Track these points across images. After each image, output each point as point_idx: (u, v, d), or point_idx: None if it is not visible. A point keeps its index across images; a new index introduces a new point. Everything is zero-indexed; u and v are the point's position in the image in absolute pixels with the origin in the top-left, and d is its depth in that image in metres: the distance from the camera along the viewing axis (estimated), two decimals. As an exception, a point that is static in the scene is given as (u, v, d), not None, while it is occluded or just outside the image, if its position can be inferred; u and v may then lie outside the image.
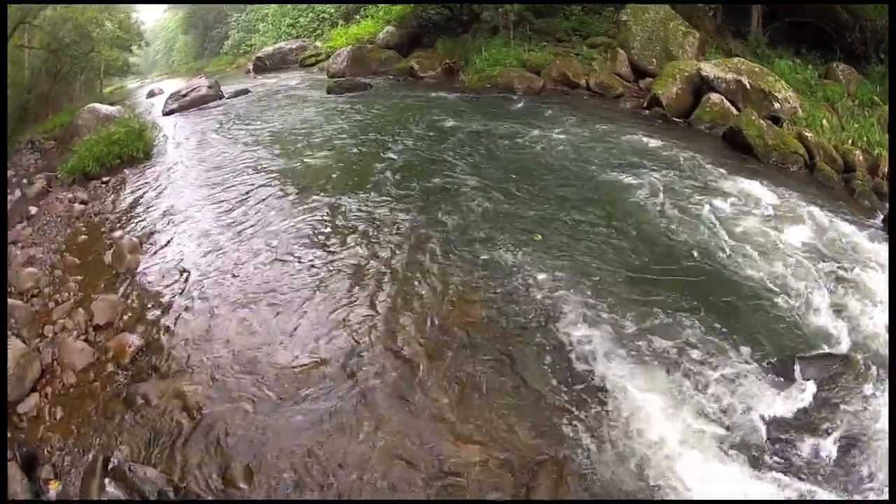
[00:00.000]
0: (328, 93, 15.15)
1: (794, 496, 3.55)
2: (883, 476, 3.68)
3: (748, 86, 10.22)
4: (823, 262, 5.80)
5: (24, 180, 10.62)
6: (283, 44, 26.10)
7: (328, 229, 6.60)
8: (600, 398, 4.18)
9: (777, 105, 9.93)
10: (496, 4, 16.10)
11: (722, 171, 7.79)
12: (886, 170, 8.47)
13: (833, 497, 3.56)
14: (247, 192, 8.01)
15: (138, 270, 6.33)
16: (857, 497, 3.61)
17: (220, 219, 7.30)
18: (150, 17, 43.57)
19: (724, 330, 4.76)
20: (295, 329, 4.99)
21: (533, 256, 5.79)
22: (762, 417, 4.03)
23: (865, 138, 9.19)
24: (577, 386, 4.29)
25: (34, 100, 20.05)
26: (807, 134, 9.08)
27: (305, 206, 7.26)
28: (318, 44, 24.32)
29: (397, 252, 6.00)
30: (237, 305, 5.39)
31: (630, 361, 4.45)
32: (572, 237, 6.19)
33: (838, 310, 5.14)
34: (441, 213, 6.77)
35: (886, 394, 4.17)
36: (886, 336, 4.79)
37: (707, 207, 6.68)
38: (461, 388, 4.29)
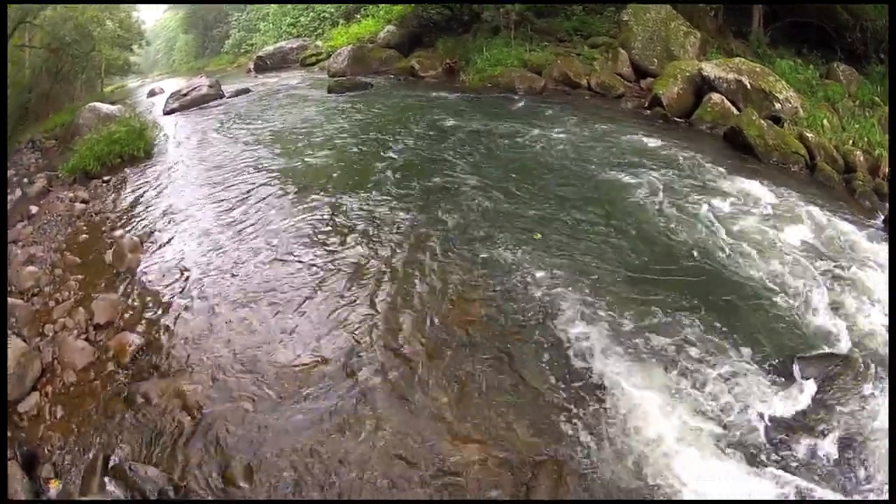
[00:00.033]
0: (329, 92, 15.16)
1: (793, 496, 3.54)
2: (882, 476, 3.68)
3: (749, 86, 10.21)
4: (823, 261, 5.80)
5: (25, 179, 10.64)
6: (284, 43, 26.13)
7: (328, 228, 6.61)
8: (599, 396, 4.19)
9: (778, 105, 9.92)
10: (497, 4, 16.09)
11: (722, 171, 7.79)
12: (887, 170, 8.46)
13: (832, 497, 3.56)
14: (247, 192, 8.02)
15: (139, 269, 6.33)
16: (856, 497, 3.61)
17: (220, 218, 7.31)
18: (150, 17, 43.70)
19: (723, 329, 4.76)
20: (295, 328, 4.99)
21: (532, 255, 5.79)
22: (762, 416, 4.03)
23: (866, 139, 9.18)
24: (577, 384, 4.29)
25: (35, 99, 20.07)
26: (807, 134, 9.07)
27: (306, 206, 7.26)
28: (319, 43, 24.34)
29: (397, 251, 6.00)
30: (237, 304, 5.40)
31: (629, 359, 4.45)
32: (572, 236, 6.19)
33: (838, 310, 5.14)
34: (441, 212, 6.78)
35: (886, 393, 4.17)
36: (886, 336, 4.79)
37: (707, 207, 6.68)
38: (461, 387, 4.29)
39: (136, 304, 5.71)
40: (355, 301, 5.26)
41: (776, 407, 4.11)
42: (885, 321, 4.97)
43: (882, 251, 6.07)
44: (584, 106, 11.79)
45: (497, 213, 6.74)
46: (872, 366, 4.40)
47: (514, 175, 7.85)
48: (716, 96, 10.42)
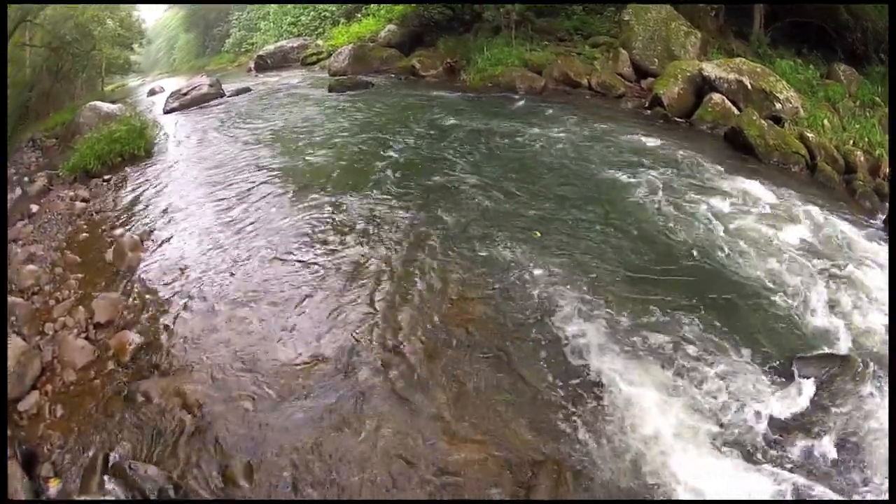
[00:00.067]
0: (329, 91, 15.15)
1: (792, 495, 3.55)
2: (882, 476, 3.68)
3: (750, 86, 10.21)
4: (823, 261, 5.80)
5: (26, 178, 10.61)
6: (285, 42, 26.09)
7: (329, 227, 6.61)
8: (599, 395, 4.20)
9: (778, 105, 9.92)
10: (498, 4, 16.08)
11: (723, 170, 7.80)
12: (887, 171, 8.46)
13: (832, 497, 3.56)
14: (248, 191, 8.02)
15: (139, 268, 6.33)
16: (855, 497, 3.61)
17: (221, 217, 7.31)
18: (151, 16, 43.54)
19: (722, 328, 4.77)
20: (295, 327, 4.99)
21: (532, 254, 5.80)
22: (761, 416, 4.04)
23: (866, 139, 9.18)
24: (576, 383, 4.30)
25: (35, 98, 20.03)
26: (808, 134, 9.07)
27: (306, 205, 7.26)
28: (320, 42, 24.31)
29: (397, 250, 6.01)
30: (238, 303, 5.40)
31: (628, 358, 4.46)
32: (571, 235, 6.20)
33: (837, 309, 5.15)
34: (441, 211, 6.79)
35: (885, 394, 4.18)
36: (885, 336, 4.80)
37: (707, 207, 6.69)
38: (460, 386, 4.29)
39: (136, 302, 5.71)
40: (355, 300, 5.26)
41: (775, 406, 4.11)
42: (885, 321, 4.98)
43: (882, 251, 6.09)
44: (584, 105, 11.79)
45: (497, 213, 6.74)
46: (872, 366, 4.41)
47: (514, 174, 7.86)
48: (716, 96, 10.42)
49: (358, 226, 6.57)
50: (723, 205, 6.78)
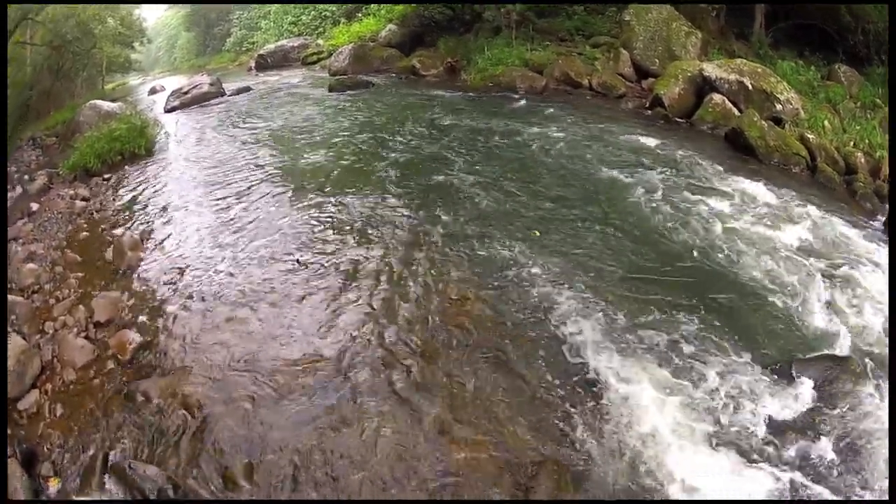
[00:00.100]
0: (330, 91, 15.16)
1: (792, 496, 3.55)
2: (882, 476, 3.68)
3: (750, 87, 10.21)
4: (823, 262, 5.80)
5: (26, 177, 10.63)
6: (285, 41, 26.13)
7: (328, 227, 6.61)
8: (598, 394, 4.20)
9: (779, 106, 9.92)
10: (498, 4, 16.09)
11: (723, 171, 7.80)
12: (887, 172, 8.45)
13: (832, 497, 3.56)
14: (248, 190, 8.02)
15: (139, 268, 6.33)
16: (855, 497, 3.60)
17: (220, 216, 7.31)
18: (152, 15, 43.62)
19: (723, 328, 4.77)
20: (294, 327, 4.99)
21: (532, 253, 5.80)
22: (761, 416, 4.04)
23: (867, 140, 9.17)
24: (576, 383, 4.30)
25: (36, 96, 20.05)
26: (809, 135, 9.06)
27: (306, 204, 7.26)
28: (320, 42, 24.36)
29: (397, 249, 6.01)
30: (237, 303, 5.39)
31: (627, 358, 4.46)
32: (571, 235, 6.21)
33: (837, 311, 5.15)
34: (441, 210, 6.79)
35: (885, 394, 4.18)
36: (886, 337, 4.80)
37: (708, 207, 6.69)
38: (460, 386, 4.29)
39: (136, 302, 5.71)
40: (355, 300, 5.26)
41: (775, 406, 4.12)
42: (885, 322, 4.98)
43: (882, 252, 6.08)
44: (585, 106, 11.79)
45: (496, 212, 6.75)
46: (872, 367, 4.43)
47: (514, 174, 7.86)
48: (717, 97, 10.41)
49: (358, 225, 6.57)
50: (723, 205, 6.79)
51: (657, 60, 12.93)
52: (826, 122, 9.60)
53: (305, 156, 9.39)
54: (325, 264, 5.84)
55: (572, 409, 4.10)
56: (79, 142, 10.91)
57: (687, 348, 4.56)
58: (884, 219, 7.20)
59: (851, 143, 9.13)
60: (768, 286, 5.40)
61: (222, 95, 16.22)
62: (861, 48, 12.14)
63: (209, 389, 4.42)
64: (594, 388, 4.25)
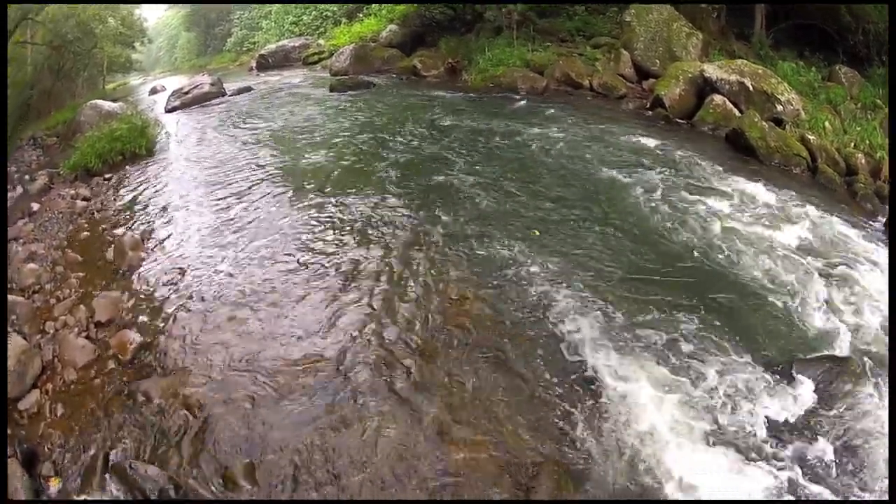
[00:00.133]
0: (331, 91, 15.17)
1: (792, 495, 3.55)
2: (882, 476, 3.68)
3: (751, 87, 10.20)
4: (823, 263, 5.80)
5: (27, 176, 10.64)
6: (286, 41, 26.15)
7: (329, 227, 6.61)
8: (598, 393, 4.21)
9: (780, 107, 9.92)
10: (500, 4, 16.10)
11: (723, 172, 7.79)
12: (887, 173, 8.45)
13: (832, 497, 3.56)
14: (248, 190, 8.03)
15: (140, 267, 6.33)
16: (855, 497, 3.60)
17: (221, 216, 7.31)
18: (152, 14, 43.65)
19: (724, 328, 4.77)
20: (295, 327, 4.99)
21: (531, 253, 5.81)
22: (761, 416, 4.03)
23: (868, 141, 9.17)
24: (576, 382, 4.30)
25: (36, 96, 20.05)
26: (809, 136, 9.06)
27: (306, 204, 7.27)
28: (321, 42, 24.37)
29: (397, 249, 6.01)
30: (238, 303, 5.40)
31: (627, 357, 4.47)
32: (570, 235, 6.21)
33: (837, 311, 5.15)
34: (441, 210, 6.79)
35: (885, 395, 4.18)
36: (885, 337, 4.80)
37: (708, 208, 6.70)
38: (460, 386, 4.29)
39: (137, 302, 5.71)
40: (355, 300, 5.26)
41: (776, 407, 4.12)
42: (885, 323, 4.98)
43: (882, 253, 6.08)
44: (585, 106, 11.80)
45: (496, 212, 6.76)
46: (872, 367, 4.42)
47: (514, 174, 7.87)
48: (718, 98, 10.41)
49: (358, 226, 6.58)
50: (723, 206, 6.79)
51: (658, 61, 12.93)
52: (827, 123, 9.60)
53: (306, 156, 9.39)
54: (326, 264, 5.84)
55: (572, 408, 4.10)
56: (80, 142, 10.93)
57: (687, 347, 4.56)
58: (884, 219, 7.21)
59: (852, 144, 9.13)
60: (768, 286, 5.40)
61: (223, 95, 16.23)
62: (861, 49, 12.14)
63: (210, 389, 4.42)
64: (593, 387, 4.26)
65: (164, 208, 7.91)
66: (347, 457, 3.80)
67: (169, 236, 6.99)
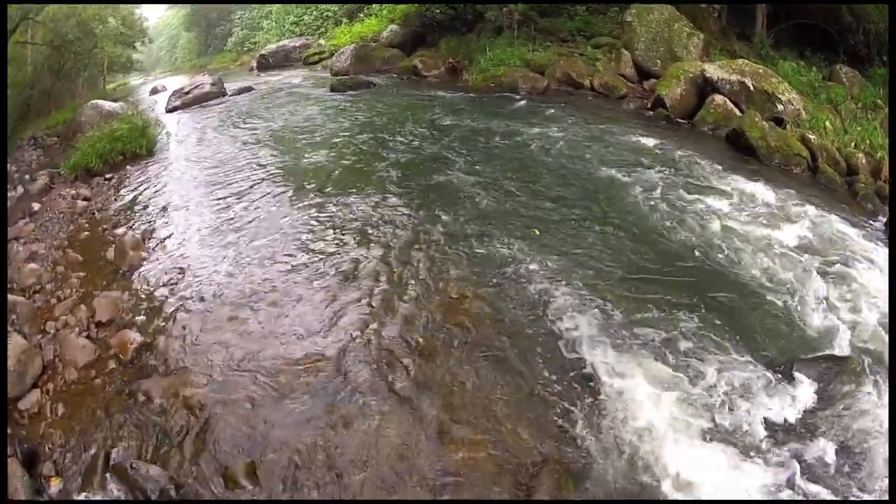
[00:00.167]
0: (331, 91, 15.18)
1: (792, 495, 3.54)
2: (882, 476, 3.67)
3: (752, 87, 10.20)
4: (824, 263, 5.79)
5: (27, 176, 10.65)
6: (287, 41, 26.15)
7: (329, 227, 6.61)
8: (598, 392, 4.21)
9: (780, 107, 9.91)
10: (500, 4, 16.09)
11: (724, 171, 7.79)
12: (888, 173, 8.44)
13: (832, 497, 3.55)
14: (249, 190, 8.03)
15: (141, 267, 6.33)
16: (855, 498, 3.60)
17: (222, 216, 7.31)
18: (153, 14, 43.64)
19: (724, 328, 4.76)
20: (295, 326, 4.99)
21: (531, 252, 5.81)
22: (762, 416, 4.03)
23: (868, 141, 9.16)
24: (575, 381, 4.30)
25: (37, 96, 20.07)
26: (810, 136, 9.05)
27: (307, 204, 7.27)
28: (322, 42, 24.37)
29: (397, 249, 6.01)
30: (238, 303, 5.40)
31: (625, 355, 4.47)
32: (570, 234, 6.21)
33: (837, 311, 5.14)
34: (441, 210, 6.79)
35: (885, 394, 4.17)
36: (886, 337, 4.79)
37: (708, 208, 6.69)
38: (460, 385, 4.29)
39: (137, 301, 5.71)
40: (355, 299, 5.26)
41: (776, 406, 4.11)
42: (885, 322, 4.97)
43: (882, 253, 6.07)
44: (586, 106, 11.79)
45: (496, 212, 6.76)
46: (872, 367, 4.42)
47: (514, 174, 7.87)
48: (718, 98, 10.40)
49: (358, 225, 6.58)
50: (724, 205, 6.79)
51: (659, 61, 12.93)
52: (827, 123, 9.59)
53: (307, 156, 9.40)
54: (326, 264, 5.85)
55: (572, 407, 4.10)
56: (80, 141, 10.95)
57: (687, 346, 4.56)
58: (884, 219, 7.20)
59: (853, 144, 9.12)
60: (768, 285, 5.40)
61: (224, 95, 16.24)
62: (862, 48, 12.14)
63: (210, 389, 4.42)
64: (592, 385, 4.26)
65: (165, 208, 7.92)
66: (348, 456, 3.80)
67: (170, 236, 7.00)
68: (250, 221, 7.01)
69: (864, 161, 8.76)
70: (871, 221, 7.16)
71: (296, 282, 5.60)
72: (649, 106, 11.45)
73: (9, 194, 9.51)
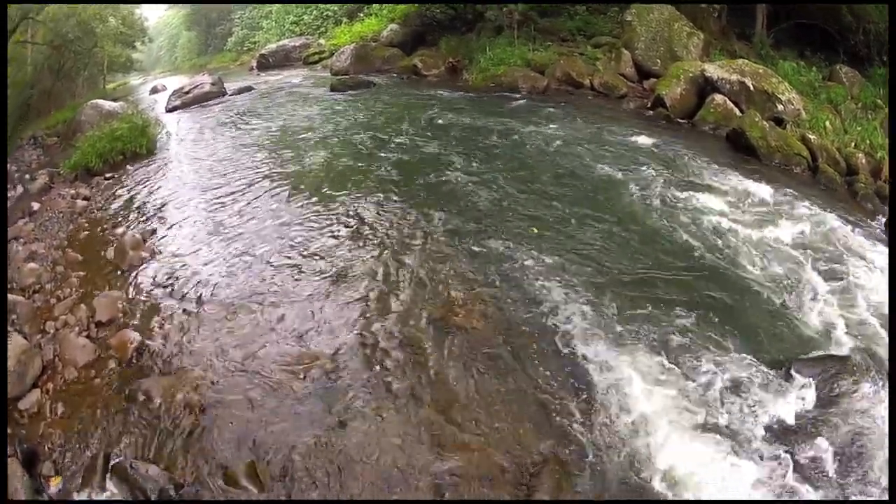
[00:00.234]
0: (331, 90, 15.17)
1: (792, 495, 3.55)
2: (882, 476, 3.67)
3: (752, 87, 10.20)
4: (823, 263, 5.79)
5: (27, 176, 10.65)
6: (287, 41, 26.13)
7: (329, 226, 6.61)
8: (597, 391, 4.20)
9: (780, 107, 9.92)
10: (500, 4, 16.09)
11: (724, 171, 7.79)
12: (888, 173, 8.45)
13: (832, 497, 3.56)
14: (249, 189, 8.03)
15: (140, 267, 6.33)
16: (855, 497, 3.60)
17: (222, 216, 7.31)
18: (153, 14, 43.57)
19: (724, 328, 4.77)
20: (295, 327, 4.99)
21: (531, 251, 5.81)
22: (762, 415, 4.03)
23: (868, 141, 9.17)
24: (575, 381, 4.30)
25: (37, 96, 20.05)
26: (810, 136, 9.06)
27: (307, 203, 7.27)
28: (322, 41, 24.36)
29: (397, 249, 6.01)
30: (238, 303, 5.39)
31: (624, 354, 4.48)
32: (569, 233, 6.21)
33: (837, 311, 5.14)
34: (441, 209, 6.80)
35: (885, 394, 4.17)
36: (885, 337, 4.79)
37: (708, 207, 6.70)
38: (460, 385, 4.29)
39: (137, 301, 5.71)
40: (354, 299, 5.26)
41: (775, 406, 4.11)
42: (885, 322, 4.97)
43: (882, 253, 6.07)
44: (586, 106, 11.80)
45: (496, 211, 6.77)
46: (871, 367, 4.42)
47: (513, 174, 7.87)
48: (718, 97, 10.41)
49: (357, 224, 6.58)
50: (723, 205, 6.79)
51: (659, 61, 12.95)
52: (827, 123, 9.60)
53: (307, 155, 9.40)
54: (325, 263, 5.84)
55: (572, 406, 4.10)
56: (80, 141, 10.94)
57: (686, 345, 4.57)
58: (884, 219, 7.21)
59: (853, 144, 9.13)
60: (767, 285, 5.40)
61: (224, 95, 16.23)
62: (862, 48, 12.15)
63: (210, 389, 4.42)
64: (591, 383, 4.26)
65: (165, 208, 7.91)
66: (347, 456, 3.80)
67: (169, 236, 6.99)
68: (250, 221, 7.00)
69: (863, 161, 8.77)
70: (870, 221, 7.17)
71: (295, 281, 5.60)
72: (649, 105, 11.46)
73: (9, 194, 9.51)
